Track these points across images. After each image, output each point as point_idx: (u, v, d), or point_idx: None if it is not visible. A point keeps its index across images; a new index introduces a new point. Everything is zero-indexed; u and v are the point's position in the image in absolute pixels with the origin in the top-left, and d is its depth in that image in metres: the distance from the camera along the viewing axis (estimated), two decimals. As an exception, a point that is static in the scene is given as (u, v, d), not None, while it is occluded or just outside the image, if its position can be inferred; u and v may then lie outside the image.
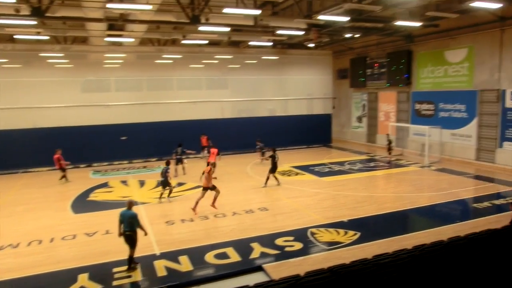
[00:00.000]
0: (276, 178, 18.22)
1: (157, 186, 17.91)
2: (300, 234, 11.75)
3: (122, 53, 26.13)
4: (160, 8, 17.97)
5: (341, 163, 23.22)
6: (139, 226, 9.82)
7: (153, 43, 28.22)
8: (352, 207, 14.49)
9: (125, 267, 9.69)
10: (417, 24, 20.29)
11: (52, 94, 23.96)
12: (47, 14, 16.75)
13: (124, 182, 19.70)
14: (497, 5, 16.84)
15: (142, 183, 19.30)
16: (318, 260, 9.80)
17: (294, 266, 9.44)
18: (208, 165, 19.56)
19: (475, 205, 14.74)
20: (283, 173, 20.60)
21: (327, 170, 21.57)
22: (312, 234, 11.77)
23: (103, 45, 24.98)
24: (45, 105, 23.67)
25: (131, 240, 9.69)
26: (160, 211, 14.56)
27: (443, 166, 21.75)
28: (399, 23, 19.74)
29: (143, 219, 13.46)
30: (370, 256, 8.14)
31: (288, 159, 24.42)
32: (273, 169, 18.11)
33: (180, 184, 18.75)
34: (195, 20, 18.45)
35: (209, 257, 10.24)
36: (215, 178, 14.68)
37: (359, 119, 32.29)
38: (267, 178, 18.07)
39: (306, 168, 21.78)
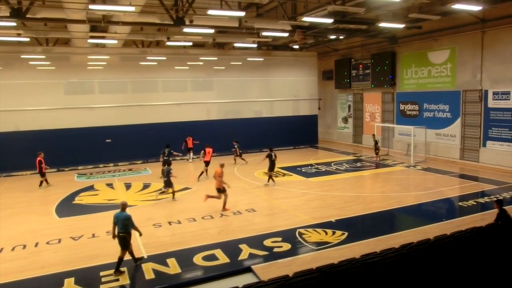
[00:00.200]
0: (271, 178, 18.43)
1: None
2: (288, 235, 11.75)
3: (105, 55, 25.84)
4: (144, 10, 17.87)
5: (328, 164, 23.33)
6: (133, 227, 9.83)
7: (137, 45, 28.04)
8: (339, 207, 14.56)
9: (112, 271, 9.56)
10: (401, 26, 20.53)
11: (34, 97, 23.56)
12: (28, 16, 16.49)
13: (109, 185, 19.47)
14: (477, 8, 17.14)
15: (128, 186, 19.10)
16: (307, 260, 9.80)
17: (283, 267, 9.42)
18: (207, 165, 19.93)
19: (460, 203, 14.92)
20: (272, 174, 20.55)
21: (314, 170, 21.66)
22: (300, 234, 11.78)
23: (86, 47, 24.71)
24: (27, 108, 23.27)
25: (124, 242, 9.67)
26: (147, 214, 14.41)
27: (428, 165, 22.01)
28: (383, 25, 19.96)
29: (130, 222, 13.37)
30: (358, 255, 8.18)
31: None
32: (271, 168, 18.33)
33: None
34: (179, 22, 18.38)
35: (198, 259, 10.16)
36: (226, 184, 14.83)
37: (345, 119, 32.51)
38: (270, 177, 18.39)
39: (293, 169, 21.83)
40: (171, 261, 10.09)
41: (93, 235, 12.28)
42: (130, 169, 23.59)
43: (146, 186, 18.89)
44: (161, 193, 16.61)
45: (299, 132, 30.78)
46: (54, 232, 12.68)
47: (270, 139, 29.14)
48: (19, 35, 20.38)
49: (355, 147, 30.37)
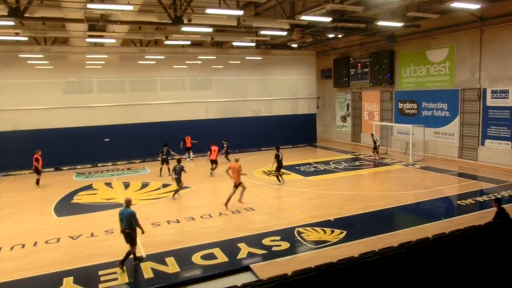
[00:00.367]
0: (279, 177, 18.50)
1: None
2: (287, 234, 11.75)
3: (104, 54, 25.80)
4: (142, 9, 17.84)
5: (327, 163, 23.34)
6: (137, 224, 9.85)
7: (136, 44, 28.00)
8: (338, 206, 14.56)
9: (111, 270, 9.58)
10: (399, 24, 20.53)
11: (33, 96, 23.54)
12: (26, 15, 16.45)
13: (108, 184, 19.45)
14: (476, 6, 17.15)
15: (126, 185, 19.08)
16: (305, 259, 9.81)
17: (281, 266, 9.43)
18: (213, 163, 20.37)
19: (459, 202, 14.93)
20: (269, 173, 20.61)
21: (312, 169, 21.66)
22: (299, 233, 11.79)
23: (84, 46, 24.65)
24: (25, 107, 23.25)
25: (130, 238, 9.77)
26: (146, 213, 14.39)
27: (427, 164, 22.03)
28: (381, 23, 19.94)
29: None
30: (356, 254, 8.17)
31: (273, 159, 24.38)
32: (279, 167, 18.38)
33: (165, 186, 18.60)
34: (177, 21, 18.36)
35: (196, 258, 10.16)
36: (245, 174, 15.56)
37: (344, 118, 32.51)
38: (277, 176, 18.44)
39: (291, 168, 21.82)
40: (170, 260, 10.09)
41: (92, 234, 12.27)
42: (128, 168, 23.57)
43: (144, 185, 18.88)
44: (176, 192, 16.54)
45: (297, 131, 30.77)
46: (53, 232, 12.67)
47: (269, 138, 29.27)
48: (17, 34, 20.31)
49: (353, 145, 30.38)
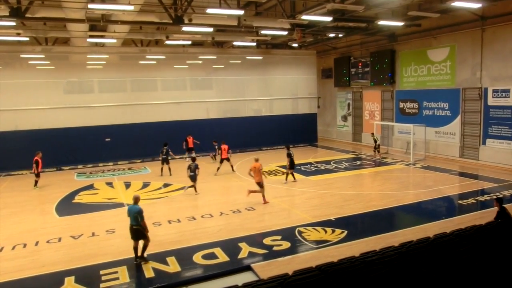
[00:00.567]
0: (293, 175, 18.75)
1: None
2: (287, 233, 11.75)
3: (104, 54, 25.82)
4: (143, 9, 17.85)
5: (327, 162, 23.33)
6: (142, 222, 9.96)
7: (136, 44, 28.00)
8: (339, 205, 14.56)
9: (112, 269, 9.62)
10: (400, 23, 20.53)
11: (34, 96, 23.59)
12: (27, 15, 16.47)
13: (109, 184, 19.47)
14: (477, 5, 17.15)
15: (127, 185, 19.09)
16: (306, 258, 9.81)
17: (282, 265, 9.44)
18: (222, 160, 20.81)
19: (460, 201, 14.91)
20: (270, 173, 20.62)
21: (313, 169, 21.65)
22: (300, 233, 11.79)
23: (85, 46, 24.66)
24: (26, 107, 23.29)
25: (140, 234, 9.97)
26: (147, 213, 14.30)
27: (428, 163, 22.02)
28: (382, 22, 19.94)
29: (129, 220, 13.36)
30: (357, 254, 8.17)
31: (274, 158, 24.45)
32: (292, 166, 18.56)
33: (166, 185, 18.61)
34: (178, 21, 18.37)
35: (197, 258, 10.17)
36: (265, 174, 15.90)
37: (344, 118, 32.50)
38: (287, 175, 18.67)
39: (292, 168, 21.81)
40: (171, 260, 10.10)
41: (93, 234, 12.29)
42: (129, 168, 23.59)
43: (145, 185, 18.89)
44: (189, 187, 16.82)
45: (298, 130, 30.75)
46: (54, 231, 12.69)
47: (269, 137, 29.33)
48: (18, 34, 20.33)
49: (354, 145, 30.36)
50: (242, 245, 10.94)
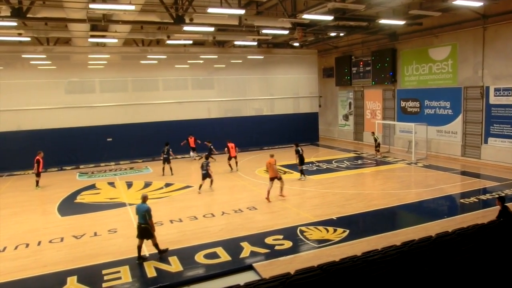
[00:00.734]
0: (302, 172, 19.02)
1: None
2: (289, 233, 11.75)
3: (106, 54, 25.87)
4: (144, 9, 17.86)
5: (329, 161, 23.33)
6: (149, 220, 10.07)
7: (138, 44, 28.02)
8: (340, 204, 14.56)
9: (114, 269, 9.65)
10: (401, 22, 20.52)
11: (36, 96, 23.64)
12: (28, 15, 16.49)
13: (111, 183, 19.50)
14: (478, 3, 17.12)
15: (129, 185, 19.11)
16: (308, 258, 9.82)
17: (284, 265, 9.44)
18: (230, 158, 21.17)
19: (462, 200, 14.91)
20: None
21: (315, 168, 21.66)
22: (302, 232, 11.79)
23: (86, 46, 24.70)
24: (28, 107, 23.34)
25: (147, 232, 10.10)
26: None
27: (429, 162, 22.00)
28: (383, 21, 19.94)
29: (131, 220, 13.40)
30: (359, 253, 8.17)
31: (275, 158, 24.39)
32: (301, 162, 18.84)
33: (167, 185, 18.62)
34: (179, 20, 18.36)
35: (199, 257, 10.18)
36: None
37: (346, 117, 32.48)
38: (301, 171, 18.84)
39: (294, 167, 21.74)
40: (173, 259, 10.11)
41: (95, 234, 12.31)
42: (131, 168, 23.62)
43: (147, 185, 18.91)
44: (201, 186, 17.16)
45: (299, 129, 30.72)
46: (57, 231, 12.72)
47: (271, 137, 29.35)
48: (20, 34, 20.36)
49: (356, 144, 30.35)
50: (244, 244, 10.95)
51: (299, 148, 19.04)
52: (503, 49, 19.65)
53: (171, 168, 20.99)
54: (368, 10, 18.83)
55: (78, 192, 17.99)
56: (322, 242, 10.94)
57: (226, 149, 21.31)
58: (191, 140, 24.80)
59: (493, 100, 20.34)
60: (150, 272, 9.48)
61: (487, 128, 20.75)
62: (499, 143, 20.20)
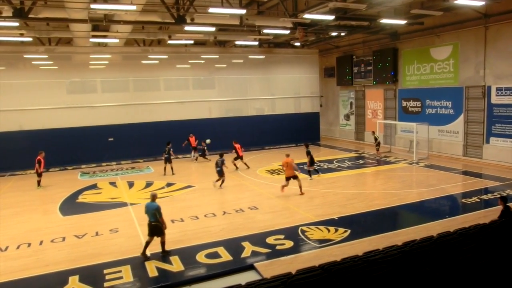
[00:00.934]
0: (316, 170, 19.43)
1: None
2: (290, 232, 11.75)
3: (107, 54, 25.90)
4: (145, 9, 17.86)
5: (330, 161, 23.32)
6: (160, 218, 10.29)
7: (139, 44, 28.03)
8: (342, 204, 14.55)
9: (116, 268, 9.67)
10: (402, 22, 20.49)
11: (37, 96, 23.70)
12: (30, 16, 16.51)
13: (112, 183, 19.52)
14: (480, 3, 17.09)
15: (131, 184, 19.13)
16: (309, 257, 9.82)
17: (285, 264, 9.45)
18: (236, 159, 21.53)
19: (463, 200, 14.89)
20: (273, 172, 20.64)
21: (316, 168, 21.59)
22: (303, 232, 11.78)
23: (88, 46, 24.73)
24: (30, 107, 23.39)
25: (158, 230, 10.31)
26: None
27: (431, 162, 21.97)
28: (385, 21, 19.91)
29: (133, 220, 13.43)
30: (360, 253, 8.17)
31: (276, 157, 24.46)
32: (312, 162, 19.03)
33: (169, 185, 18.64)
34: (180, 20, 18.36)
35: (200, 257, 10.19)
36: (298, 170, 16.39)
37: (347, 117, 32.46)
38: (309, 171, 19.01)
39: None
40: (174, 259, 10.12)
41: (97, 233, 12.33)
42: (132, 168, 23.65)
43: (148, 184, 18.93)
44: (216, 181, 17.64)
45: (301, 129, 30.73)
46: (58, 231, 12.74)
47: (272, 137, 29.37)
48: (21, 35, 20.37)
49: (357, 144, 30.33)
50: (245, 244, 10.96)
51: (310, 149, 19.29)
52: (505, 49, 19.61)
53: (172, 168, 21.01)
54: (369, 9, 18.80)
55: (79, 192, 18.02)
56: (323, 242, 10.94)
57: (234, 150, 21.54)
58: (192, 140, 24.81)
59: (494, 99, 20.31)
60: (152, 272, 9.49)
61: (489, 128, 20.71)
62: (501, 142, 20.17)
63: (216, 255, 10.31)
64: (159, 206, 10.36)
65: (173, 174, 20.80)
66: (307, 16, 18.47)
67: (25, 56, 23.70)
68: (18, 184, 20.34)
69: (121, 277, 9.29)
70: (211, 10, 16.11)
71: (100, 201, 16.37)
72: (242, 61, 29.69)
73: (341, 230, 11.80)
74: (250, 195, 16.44)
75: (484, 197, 15.08)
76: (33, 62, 24.23)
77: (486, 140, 20.95)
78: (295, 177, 15.96)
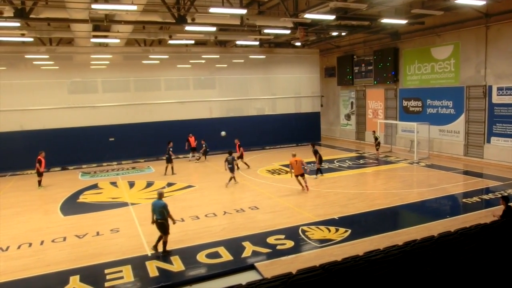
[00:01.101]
0: (320, 170, 19.47)
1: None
2: (291, 232, 11.75)
3: (108, 54, 25.90)
4: (146, 9, 17.84)
5: (331, 161, 23.30)
6: (168, 215, 10.51)
7: (140, 44, 28.03)
8: (342, 204, 14.54)
9: (117, 268, 9.68)
10: (403, 21, 20.46)
11: (39, 96, 23.73)
12: (31, 16, 16.52)
13: (113, 183, 19.53)
14: (481, 2, 17.05)
15: (131, 184, 19.14)
16: (310, 257, 9.82)
17: (286, 264, 9.44)
18: (243, 158, 21.78)
19: (464, 200, 14.87)
20: (273, 172, 20.63)
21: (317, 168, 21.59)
22: (303, 232, 11.78)
23: (89, 46, 24.74)
24: (31, 107, 23.42)
25: (163, 227, 10.46)
26: (150, 212, 14.43)
27: (432, 162, 21.95)
28: (385, 20, 19.89)
29: (133, 220, 13.43)
30: (361, 252, 8.17)
31: (277, 157, 24.48)
32: (320, 161, 19.31)
33: (170, 184, 18.64)
34: (181, 20, 18.36)
35: (201, 257, 10.19)
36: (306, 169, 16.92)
37: (348, 116, 32.44)
38: (318, 170, 19.34)
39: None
40: (175, 259, 10.12)
41: (98, 233, 12.34)
42: (133, 168, 23.66)
43: (149, 184, 18.93)
44: (229, 180, 18.06)
45: (301, 129, 30.72)
46: (59, 230, 12.75)
47: (273, 136, 29.36)
48: (23, 35, 20.40)
49: (358, 144, 30.31)
50: (246, 244, 10.95)
51: (317, 149, 19.55)
52: (506, 48, 19.59)
53: (172, 168, 21.01)
54: (370, 9, 18.79)
55: (80, 191, 18.03)
56: (324, 242, 10.94)
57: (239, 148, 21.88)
58: (191, 140, 24.82)
59: (495, 99, 20.28)
60: (152, 272, 9.50)
61: (490, 128, 20.69)
62: (502, 142, 20.14)
63: (216, 255, 10.31)
64: (166, 204, 10.53)
65: (173, 174, 20.80)
66: (307, 16, 18.47)
67: (26, 56, 23.72)
68: (19, 184, 20.36)
69: (121, 277, 9.30)
70: (211, 10, 16.11)
71: (101, 201, 16.37)
72: (242, 61, 29.68)
73: (341, 230, 11.80)
74: (250, 195, 16.45)
75: (485, 197, 15.07)
76: (34, 62, 24.25)
77: (487, 140, 20.93)
78: (302, 175, 16.28)
